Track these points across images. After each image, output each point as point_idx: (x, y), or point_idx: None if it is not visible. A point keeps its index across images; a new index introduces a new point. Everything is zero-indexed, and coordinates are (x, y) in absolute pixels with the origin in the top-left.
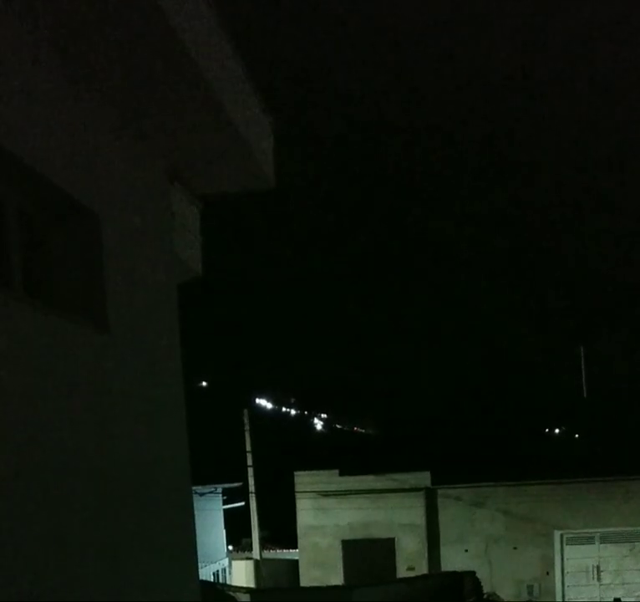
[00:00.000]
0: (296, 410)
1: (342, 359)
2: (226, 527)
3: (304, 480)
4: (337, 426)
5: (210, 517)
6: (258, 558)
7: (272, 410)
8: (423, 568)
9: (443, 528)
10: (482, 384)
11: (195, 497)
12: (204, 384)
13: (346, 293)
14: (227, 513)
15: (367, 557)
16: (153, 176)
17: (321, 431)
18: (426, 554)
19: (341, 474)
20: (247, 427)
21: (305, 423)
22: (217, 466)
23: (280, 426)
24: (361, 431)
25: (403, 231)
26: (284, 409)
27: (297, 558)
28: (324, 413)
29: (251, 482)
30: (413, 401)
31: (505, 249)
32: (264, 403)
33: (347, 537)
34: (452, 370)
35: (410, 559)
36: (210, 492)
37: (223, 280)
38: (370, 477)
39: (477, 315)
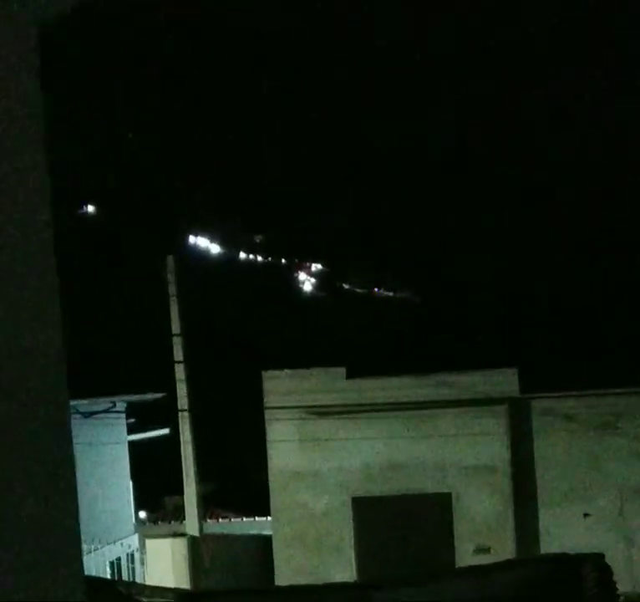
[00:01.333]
0: (265, 257)
1: (344, 170)
2: (133, 475)
3: (281, 385)
4: (343, 286)
5: (105, 457)
6: (196, 532)
7: (221, 257)
8: (505, 549)
9: (542, 472)
10: (592, 234)
11: (78, 421)
12: (91, 209)
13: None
14: (137, 450)
15: (399, 528)
16: None
17: (312, 294)
18: (512, 522)
19: (349, 376)
20: (174, 293)
21: (283, 281)
22: (121, 365)
23: (237, 289)
24: (388, 294)
25: None
26: (243, 255)
27: (268, 532)
28: (317, 262)
29: (183, 391)
30: (481, 251)
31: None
32: (206, 244)
33: (362, 492)
34: (543, 210)
35: (481, 532)
36: (105, 412)
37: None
38: (404, 381)
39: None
